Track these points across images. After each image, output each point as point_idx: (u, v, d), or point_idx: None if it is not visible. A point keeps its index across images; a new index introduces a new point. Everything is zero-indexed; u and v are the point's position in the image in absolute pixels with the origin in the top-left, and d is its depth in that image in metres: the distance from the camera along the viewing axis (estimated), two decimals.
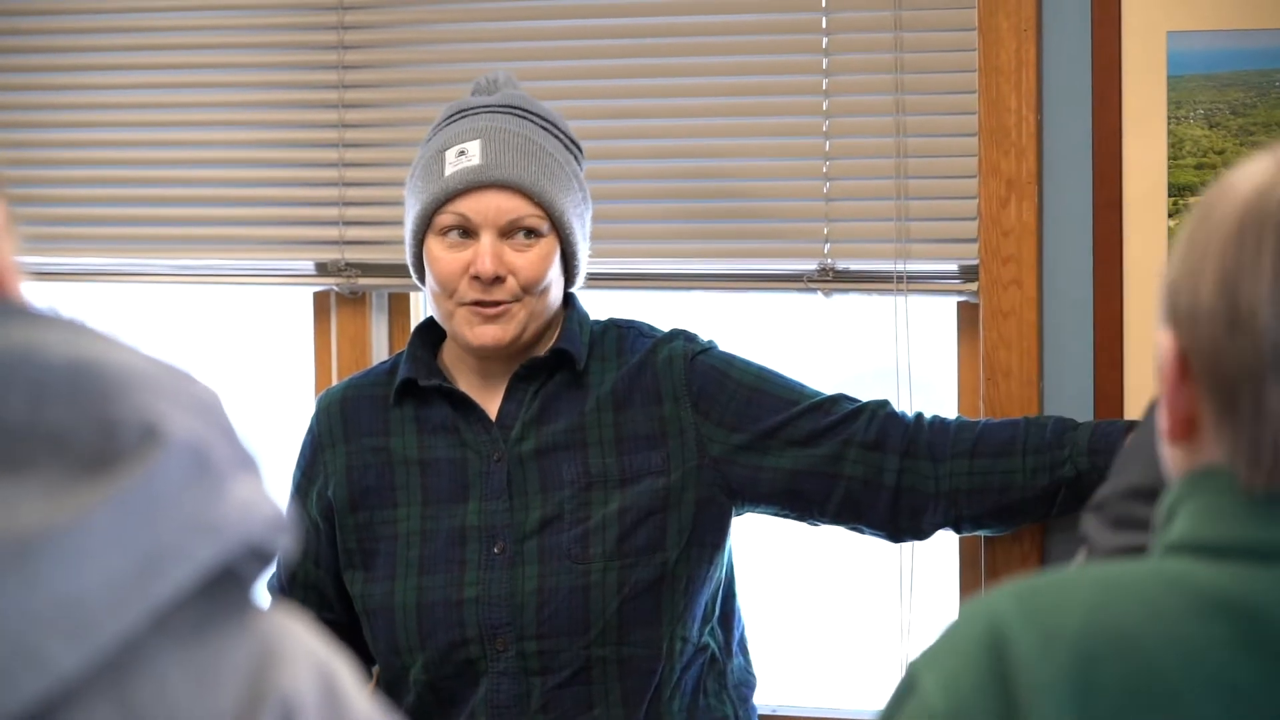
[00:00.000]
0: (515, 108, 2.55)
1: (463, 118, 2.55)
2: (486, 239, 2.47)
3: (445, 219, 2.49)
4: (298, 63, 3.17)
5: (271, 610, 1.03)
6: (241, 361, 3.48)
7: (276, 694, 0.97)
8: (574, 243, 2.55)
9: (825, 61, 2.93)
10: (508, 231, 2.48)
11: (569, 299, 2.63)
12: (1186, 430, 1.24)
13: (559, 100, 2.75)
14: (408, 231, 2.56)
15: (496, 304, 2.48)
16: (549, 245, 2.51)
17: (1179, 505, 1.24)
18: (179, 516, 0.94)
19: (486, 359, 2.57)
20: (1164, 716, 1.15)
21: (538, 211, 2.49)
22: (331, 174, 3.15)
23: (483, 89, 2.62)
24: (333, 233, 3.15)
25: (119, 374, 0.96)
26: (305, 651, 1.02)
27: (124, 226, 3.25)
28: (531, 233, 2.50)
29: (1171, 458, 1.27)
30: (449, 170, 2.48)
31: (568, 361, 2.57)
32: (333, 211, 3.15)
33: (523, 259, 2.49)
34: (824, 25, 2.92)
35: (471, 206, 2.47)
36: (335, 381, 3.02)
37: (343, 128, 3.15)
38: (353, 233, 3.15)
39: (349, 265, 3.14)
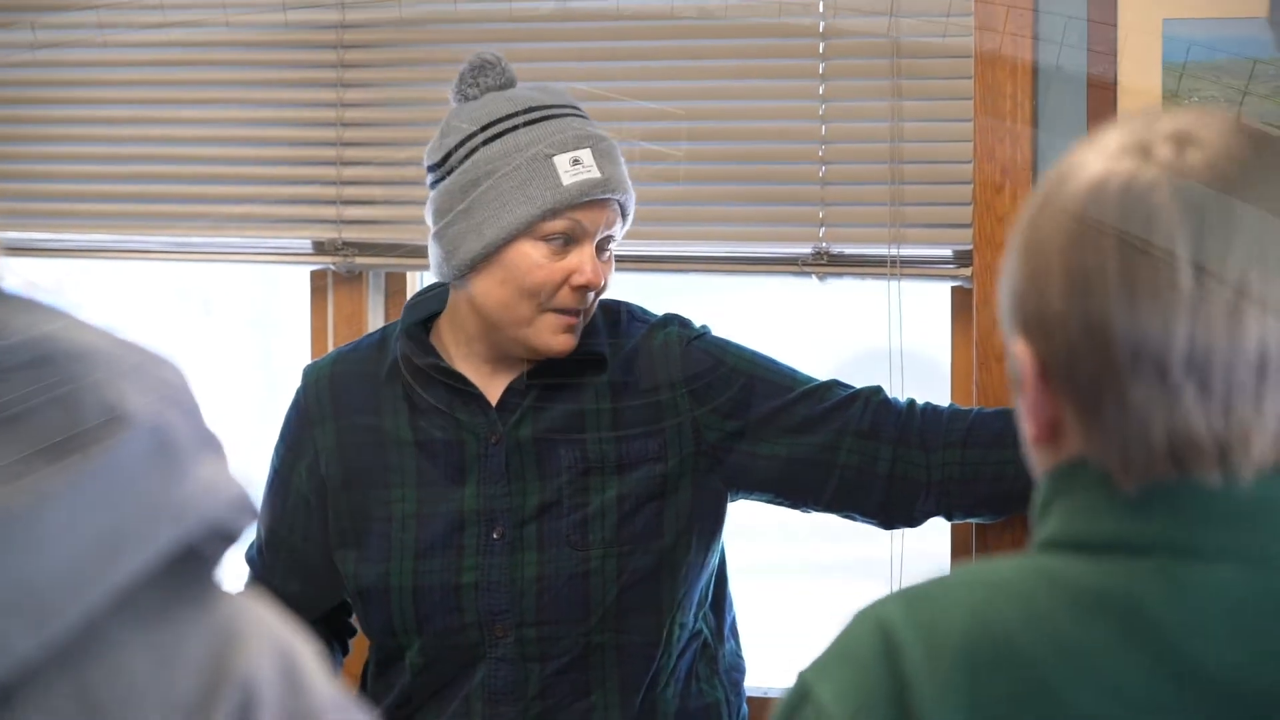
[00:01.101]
0: (578, 108, 2.55)
1: (549, 119, 2.50)
2: (589, 249, 2.46)
3: (557, 225, 2.46)
4: (297, 41, 3.17)
5: (233, 592, 1.03)
6: (237, 339, 3.49)
7: (237, 676, 0.97)
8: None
9: (822, 45, 2.93)
10: (603, 241, 2.50)
11: None
12: (1052, 434, 1.24)
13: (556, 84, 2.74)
14: (495, 229, 2.47)
15: (581, 313, 2.49)
16: (612, 254, 2.54)
17: (1052, 502, 1.25)
18: (140, 498, 0.94)
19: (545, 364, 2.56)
20: None
21: (622, 224, 2.52)
22: (330, 153, 3.16)
23: (492, 72, 2.57)
24: (330, 211, 3.15)
25: (81, 354, 0.96)
26: (266, 634, 1.02)
27: (121, 203, 3.26)
28: (613, 243, 2.52)
29: (1035, 457, 1.28)
30: (568, 179, 2.45)
31: (596, 363, 2.56)
32: (330, 190, 3.16)
33: (606, 268, 2.50)
34: (820, 9, 2.92)
35: (589, 216, 2.46)
36: (331, 348, 3.03)
37: (341, 107, 3.15)
38: (350, 212, 3.15)
39: (346, 244, 3.14)
